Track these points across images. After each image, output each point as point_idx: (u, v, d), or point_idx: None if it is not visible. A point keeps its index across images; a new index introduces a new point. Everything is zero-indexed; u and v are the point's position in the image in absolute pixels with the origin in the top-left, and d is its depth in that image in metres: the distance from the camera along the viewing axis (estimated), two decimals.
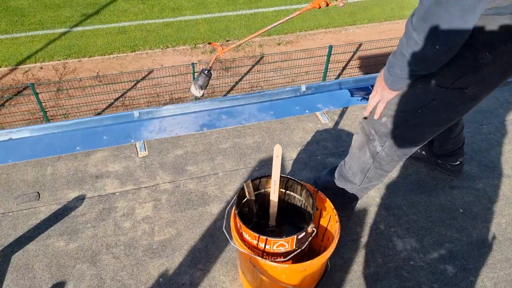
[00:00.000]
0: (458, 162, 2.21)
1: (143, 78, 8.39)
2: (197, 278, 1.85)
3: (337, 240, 1.59)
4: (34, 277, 1.83)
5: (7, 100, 7.84)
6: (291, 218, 1.87)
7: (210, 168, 2.33)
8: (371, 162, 1.72)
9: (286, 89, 2.86)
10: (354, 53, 9.30)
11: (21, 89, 8.06)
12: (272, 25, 1.86)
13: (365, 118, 1.69)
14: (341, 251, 1.94)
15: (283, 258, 1.64)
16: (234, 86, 8.72)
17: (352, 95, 2.83)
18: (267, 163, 2.37)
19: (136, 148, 2.43)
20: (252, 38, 1.91)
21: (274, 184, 1.76)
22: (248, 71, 9.03)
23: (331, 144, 2.49)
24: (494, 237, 2.03)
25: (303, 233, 1.58)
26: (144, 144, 2.45)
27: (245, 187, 1.72)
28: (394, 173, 2.32)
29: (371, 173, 1.76)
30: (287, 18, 1.80)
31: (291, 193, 1.82)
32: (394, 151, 1.64)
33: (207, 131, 2.56)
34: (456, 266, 1.90)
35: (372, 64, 8.67)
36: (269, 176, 1.77)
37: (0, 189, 2.18)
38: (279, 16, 10.52)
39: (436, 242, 2.00)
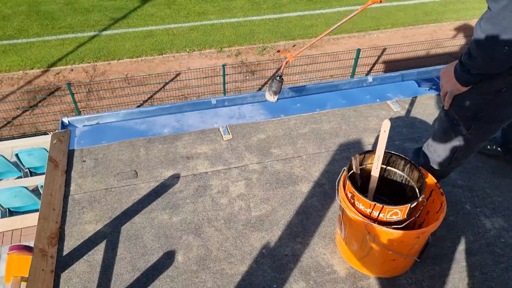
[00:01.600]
0: None
1: (171, 80, 8.54)
2: (298, 250, 1.94)
3: (445, 210, 1.68)
4: (145, 246, 1.93)
5: (40, 101, 8.03)
6: (388, 194, 1.96)
7: (293, 151, 2.43)
8: (458, 145, 1.80)
9: (353, 79, 2.96)
10: (379, 57, 9.39)
11: (54, 90, 8.24)
12: (338, 24, 1.98)
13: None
14: None
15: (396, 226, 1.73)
16: (260, 89, 8.85)
17: (419, 85, 2.92)
18: (347, 147, 2.46)
19: (220, 132, 2.54)
20: (319, 39, 2.02)
21: (377, 160, 1.85)
22: (273, 74, 9.15)
23: (406, 130, 2.58)
24: None
25: (415, 203, 1.67)
26: (227, 128, 2.56)
27: (352, 160, 1.82)
28: (472, 158, 2.40)
29: (459, 154, 1.84)
30: (351, 16, 1.90)
31: (392, 168, 1.90)
32: (481, 133, 1.73)
33: (285, 118, 2.66)
34: None
35: (396, 68, 8.75)
36: (372, 151, 1.86)
37: (100, 168, 2.30)
38: (302, 20, 10.65)
39: None
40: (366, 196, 1.67)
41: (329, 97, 2.83)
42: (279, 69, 8.85)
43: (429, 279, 1.83)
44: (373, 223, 1.64)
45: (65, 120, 2.56)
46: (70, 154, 2.37)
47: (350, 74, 8.48)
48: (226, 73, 7.97)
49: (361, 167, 1.90)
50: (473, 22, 10.55)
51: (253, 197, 2.17)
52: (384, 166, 1.91)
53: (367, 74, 8.93)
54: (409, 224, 1.72)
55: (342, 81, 2.94)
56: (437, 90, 2.88)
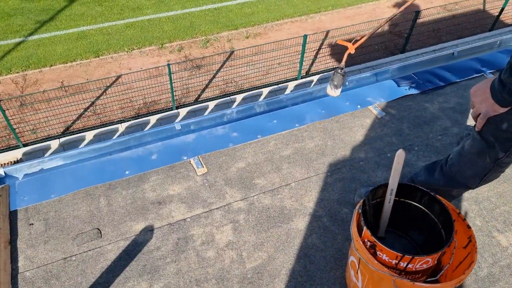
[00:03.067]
0: None
1: (112, 84, 7.94)
2: None
3: (476, 247, 1.47)
4: None
5: None
6: (400, 226, 1.73)
7: (280, 179, 2.13)
8: (491, 167, 1.63)
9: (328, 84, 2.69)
10: (323, 40, 9.27)
11: None
12: (394, 14, 1.76)
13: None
14: None
15: (424, 275, 1.49)
16: (208, 84, 8.44)
17: (398, 85, 2.70)
18: (337, 167, 2.20)
19: (192, 165, 2.19)
20: (377, 29, 1.79)
21: (390, 193, 1.61)
22: (221, 68, 8.78)
23: (396, 139, 2.36)
24: None
25: (447, 246, 1.44)
26: (200, 160, 2.21)
27: (365, 200, 1.56)
28: None
29: (490, 176, 1.68)
30: (403, 7, 1.64)
31: (406, 200, 1.66)
32: None
33: (262, 138, 2.35)
34: None
35: (343, 51, 8.66)
36: (384, 185, 1.62)
37: (52, 231, 1.88)
38: (243, 8, 10.29)
39: None
40: (385, 242, 1.41)
41: (306, 108, 2.54)
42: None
43: None
44: (403, 279, 1.39)
45: (0, 171, 2.09)
46: (12, 217, 1.92)
47: (299, 61, 8.28)
48: (173, 72, 7.49)
49: (372, 202, 1.65)
50: None
51: (244, 244, 1.86)
52: (397, 198, 1.67)
53: (314, 59, 8.74)
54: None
55: (316, 87, 2.66)
56: (417, 88, 2.68)
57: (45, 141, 6.55)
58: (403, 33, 9.10)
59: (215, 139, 2.34)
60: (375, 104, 2.56)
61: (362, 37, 1.90)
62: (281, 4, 10.73)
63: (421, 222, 1.66)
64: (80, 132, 7.02)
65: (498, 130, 1.51)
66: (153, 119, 7.31)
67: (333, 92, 1.83)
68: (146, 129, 6.93)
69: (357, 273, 1.61)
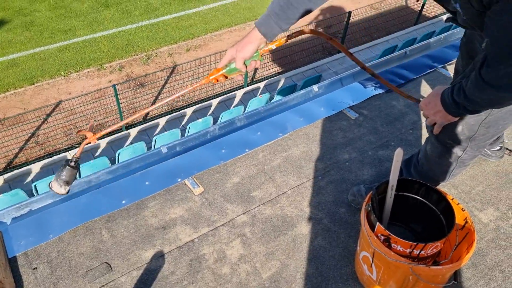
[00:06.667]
0: (498, 148, 2.34)
1: (52, 112, 7.62)
2: None
3: (473, 227, 1.64)
4: None
5: None
6: (399, 218, 1.88)
7: (276, 189, 2.21)
8: (454, 164, 1.82)
9: (300, 93, 2.82)
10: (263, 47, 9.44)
11: None
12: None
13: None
14: None
15: (432, 259, 1.64)
16: (155, 100, 8.34)
17: (364, 87, 2.89)
18: (326, 170, 2.32)
19: (188, 186, 2.20)
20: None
21: (391, 189, 1.74)
22: (165, 83, 8.72)
23: (374, 138, 2.52)
24: None
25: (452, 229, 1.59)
26: (194, 180, 2.23)
27: (372, 197, 1.68)
28: None
29: (456, 171, 1.87)
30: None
31: (405, 193, 1.81)
32: (476, 149, 1.75)
33: (250, 152, 2.41)
34: None
35: (284, 56, 8.92)
36: (385, 182, 1.75)
37: (59, 272, 1.82)
38: (180, 22, 10.27)
39: (510, 206, 2.15)
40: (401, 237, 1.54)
41: (285, 117, 2.64)
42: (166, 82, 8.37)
43: None
44: (420, 265, 1.52)
45: None
46: (13, 264, 1.84)
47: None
48: (120, 92, 7.33)
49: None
50: None
51: (255, 255, 1.92)
52: (396, 192, 1.80)
53: (256, 70, 8.90)
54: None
55: (289, 96, 2.78)
56: (382, 88, 2.88)
57: None
58: (338, 34, 9.55)
59: (204, 158, 2.37)
60: (347, 107, 2.72)
61: (105, 130, 1.65)
62: (218, 15, 10.84)
63: (420, 212, 1.80)
64: (24, 166, 6.66)
65: (454, 133, 1.67)
66: (102, 142, 7.10)
67: (62, 189, 1.58)
68: (96, 154, 6.73)
69: (370, 266, 1.72)
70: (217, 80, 1.60)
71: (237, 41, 1.54)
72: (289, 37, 1.71)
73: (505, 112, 1.58)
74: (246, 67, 1.56)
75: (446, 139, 1.73)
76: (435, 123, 1.62)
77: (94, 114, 7.35)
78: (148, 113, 7.90)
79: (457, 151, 1.74)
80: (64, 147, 7.21)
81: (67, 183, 1.59)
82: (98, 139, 1.50)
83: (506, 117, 1.60)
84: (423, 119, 2.67)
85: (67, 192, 1.61)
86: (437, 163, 1.87)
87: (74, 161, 1.58)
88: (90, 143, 1.56)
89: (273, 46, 1.61)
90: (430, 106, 1.56)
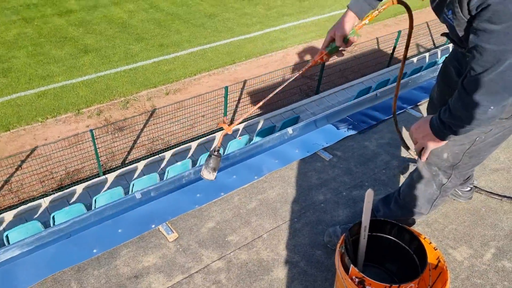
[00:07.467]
0: (468, 188, 2.39)
1: (27, 158, 7.49)
2: None
3: (446, 266, 1.65)
4: None
5: None
6: (373, 259, 1.87)
7: (251, 233, 2.19)
8: (438, 193, 1.88)
9: (275, 135, 2.86)
10: (242, 90, 9.65)
11: None
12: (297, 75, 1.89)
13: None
14: None
15: None
16: (133, 145, 8.29)
17: (337, 128, 2.95)
18: (302, 211, 2.32)
19: (162, 233, 2.17)
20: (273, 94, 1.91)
21: (364, 230, 1.75)
22: (144, 127, 8.71)
23: (348, 178, 2.55)
24: None
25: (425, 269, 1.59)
26: (169, 226, 2.20)
27: (346, 240, 1.68)
28: None
29: (438, 201, 1.93)
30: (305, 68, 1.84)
31: (378, 234, 1.82)
32: (458, 178, 1.83)
33: (226, 195, 2.41)
34: (510, 260, 2.10)
35: (261, 97, 9.09)
36: (358, 223, 1.76)
37: None
38: (159, 66, 10.41)
39: (482, 243, 2.18)
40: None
41: (261, 159, 2.67)
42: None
43: None
44: None
45: None
46: None
47: (222, 111, 8.52)
48: (97, 137, 7.27)
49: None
50: (313, 43, 11.60)
51: None
52: (369, 233, 1.81)
53: (235, 108, 9.03)
54: None
55: (265, 139, 2.82)
56: (355, 129, 2.94)
57: None
58: (315, 76, 9.83)
59: (179, 203, 2.35)
60: (321, 149, 2.76)
61: (239, 118, 1.96)
62: (197, 59, 11.04)
63: (393, 252, 1.81)
64: None
65: (440, 160, 1.75)
66: (79, 188, 6.97)
67: (211, 175, 1.85)
68: (72, 200, 6.58)
69: None
70: (322, 60, 1.78)
71: (334, 24, 1.70)
72: (378, 10, 1.83)
73: (485, 144, 1.66)
74: (345, 44, 1.70)
75: (432, 166, 1.80)
76: (423, 148, 1.68)
77: (69, 160, 7.25)
78: (126, 158, 7.85)
79: (442, 178, 1.81)
80: (39, 194, 7.04)
81: (214, 169, 1.86)
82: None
83: (486, 148, 1.69)
84: (396, 159, 2.73)
85: (215, 178, 1.87)
86: (421, 191, 1.90)
87: (216, 151, 1.83)
88: (227, 134, 1.82)
89: (366, 21, 1.74)
90: (420, 130, 1.64)
